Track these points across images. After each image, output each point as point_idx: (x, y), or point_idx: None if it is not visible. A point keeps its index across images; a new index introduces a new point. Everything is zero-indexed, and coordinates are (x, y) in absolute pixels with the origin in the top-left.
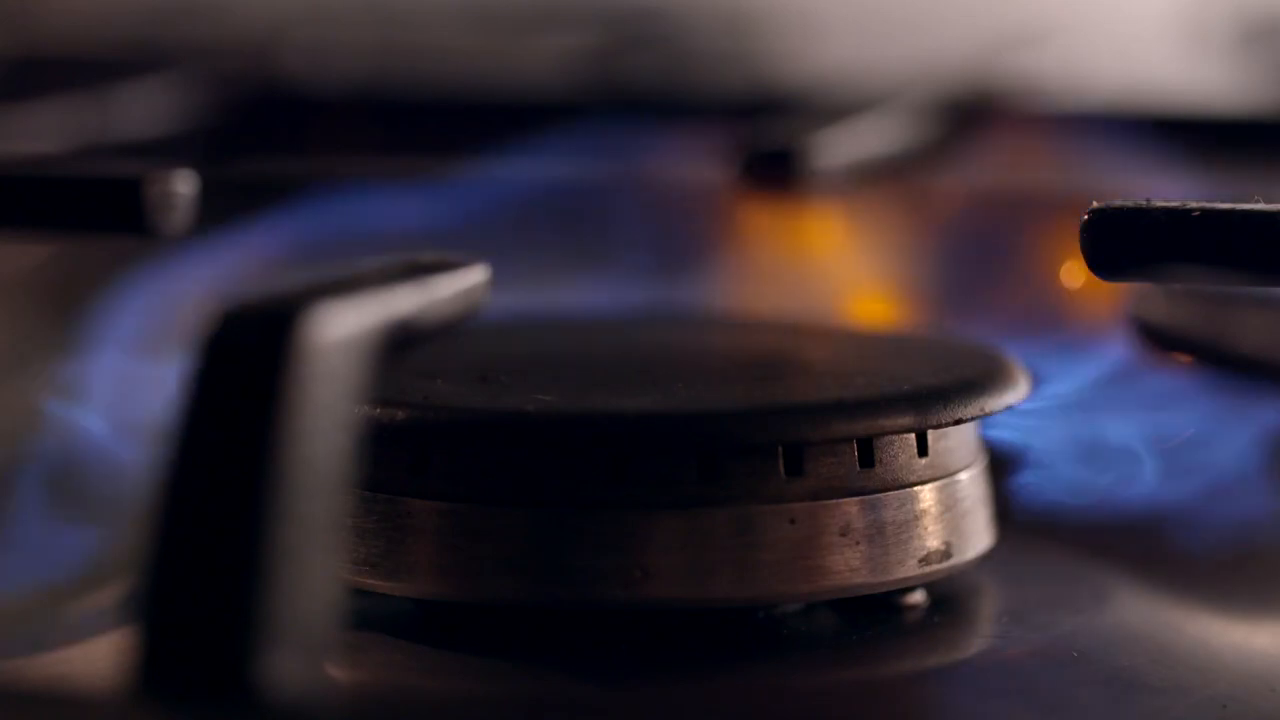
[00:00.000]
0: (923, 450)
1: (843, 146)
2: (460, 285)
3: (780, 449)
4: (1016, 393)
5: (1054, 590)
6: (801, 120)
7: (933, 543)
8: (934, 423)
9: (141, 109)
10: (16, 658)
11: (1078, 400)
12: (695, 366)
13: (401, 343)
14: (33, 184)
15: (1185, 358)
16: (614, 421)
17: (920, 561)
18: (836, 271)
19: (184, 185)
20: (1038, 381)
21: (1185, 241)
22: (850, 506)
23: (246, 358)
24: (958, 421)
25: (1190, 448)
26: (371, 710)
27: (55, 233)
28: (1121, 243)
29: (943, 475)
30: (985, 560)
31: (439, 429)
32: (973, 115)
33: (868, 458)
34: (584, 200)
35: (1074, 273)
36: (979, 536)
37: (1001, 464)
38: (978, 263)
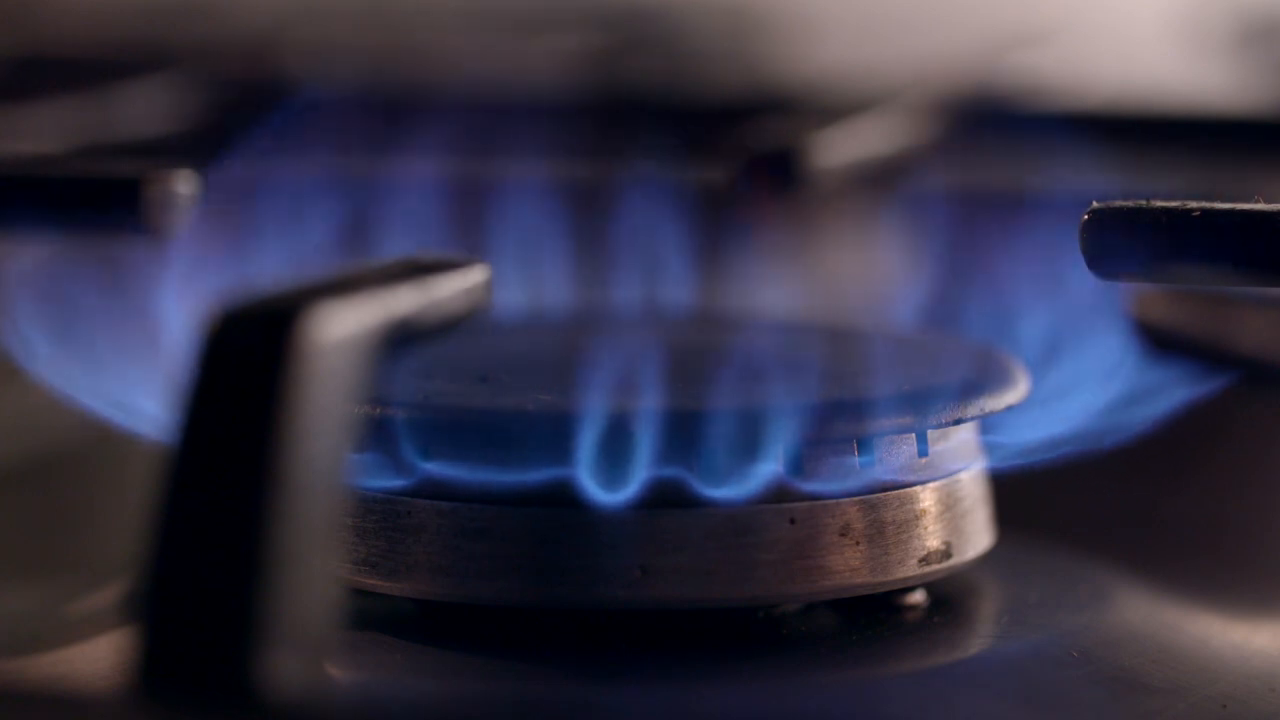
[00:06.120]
0: (923, 450)
1: (843, 146)
2: (460, 285)
3: (780, 449)
4: (1016, 393)
5: (1054, 590)
6: (801, 120)
7: (933, 543)
8: (934, 423)
9: (141, 109)
10: (16, 658)
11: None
12: (694, 366)
13: (401, 343)
14: (33, 184)
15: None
16: (613, 421)
17: (920, 561)
18: (836, 271)
19: (184, 185)
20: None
21: (1185, 241)
22: (850, 506)
23: (246, 358)
24: (958, 421)
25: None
26: (371, 710)
27: (55, 233)
28: (1121, 243)
29: (943, 475)
30: (985, 560)
31: (439, 429)
32: (973, 115)
33: (868, 458)
34: (583, 200)
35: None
36: (979, 536)
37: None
38: (974, 262)
